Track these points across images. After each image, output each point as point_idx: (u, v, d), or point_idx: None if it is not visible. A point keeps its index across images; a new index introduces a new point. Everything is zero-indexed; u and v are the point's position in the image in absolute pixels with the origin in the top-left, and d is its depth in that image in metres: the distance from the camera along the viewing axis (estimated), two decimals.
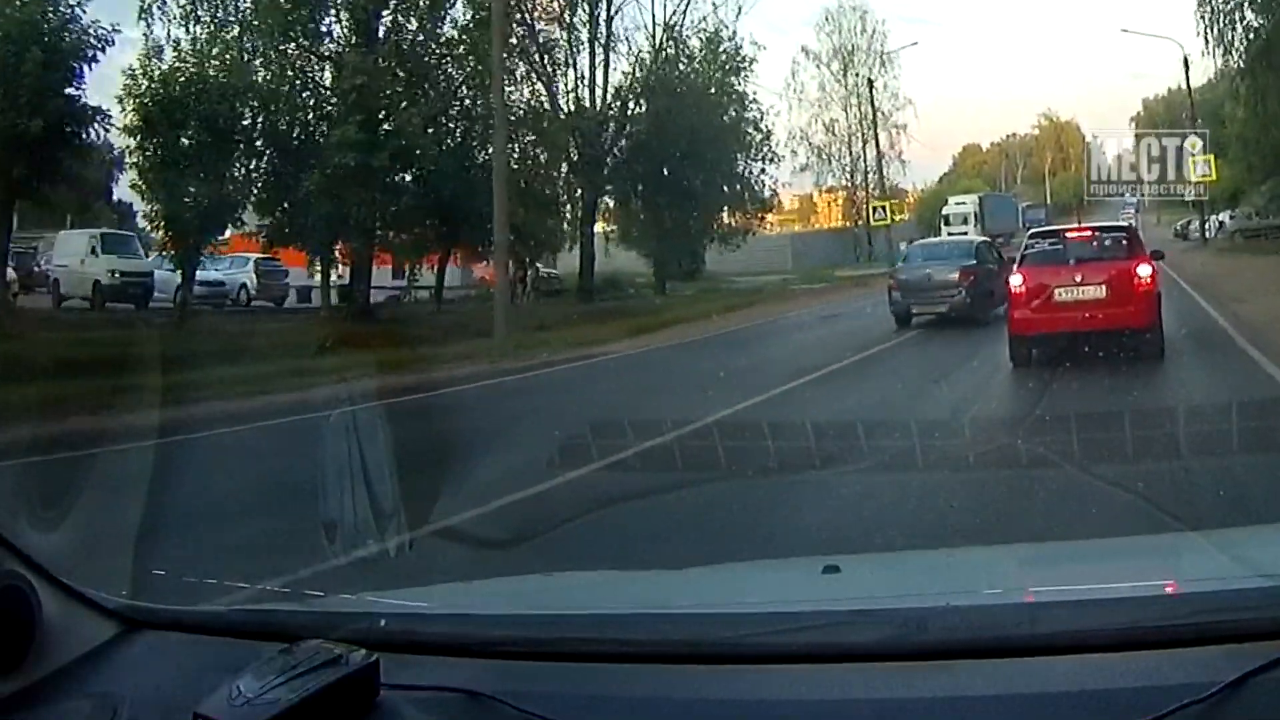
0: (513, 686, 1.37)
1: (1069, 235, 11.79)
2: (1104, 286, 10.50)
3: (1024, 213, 38.58)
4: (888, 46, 35.21)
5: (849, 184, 35.93)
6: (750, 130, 30.10)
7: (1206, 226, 30.96)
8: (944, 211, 35.30)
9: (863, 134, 34.94)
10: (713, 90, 29.15)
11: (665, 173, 27.56)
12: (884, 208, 31.92)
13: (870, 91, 33.92)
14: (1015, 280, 10.90)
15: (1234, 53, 24.61)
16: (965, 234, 32.90)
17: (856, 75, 35.18)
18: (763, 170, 30.89)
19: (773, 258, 33.76)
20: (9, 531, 1.50)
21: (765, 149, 30.56)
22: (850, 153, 35.00)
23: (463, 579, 2.48)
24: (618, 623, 1.63)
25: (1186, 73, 27.97)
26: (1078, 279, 10.59)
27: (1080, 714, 1.24)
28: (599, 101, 27.66)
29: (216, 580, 1.88)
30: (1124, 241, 11.38)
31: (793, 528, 5.04)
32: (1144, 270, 10.64)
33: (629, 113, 28.12)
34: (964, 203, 35.59)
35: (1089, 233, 11.90)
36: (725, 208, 30.42)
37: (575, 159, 26.73)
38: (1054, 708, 1.26)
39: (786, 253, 35.35)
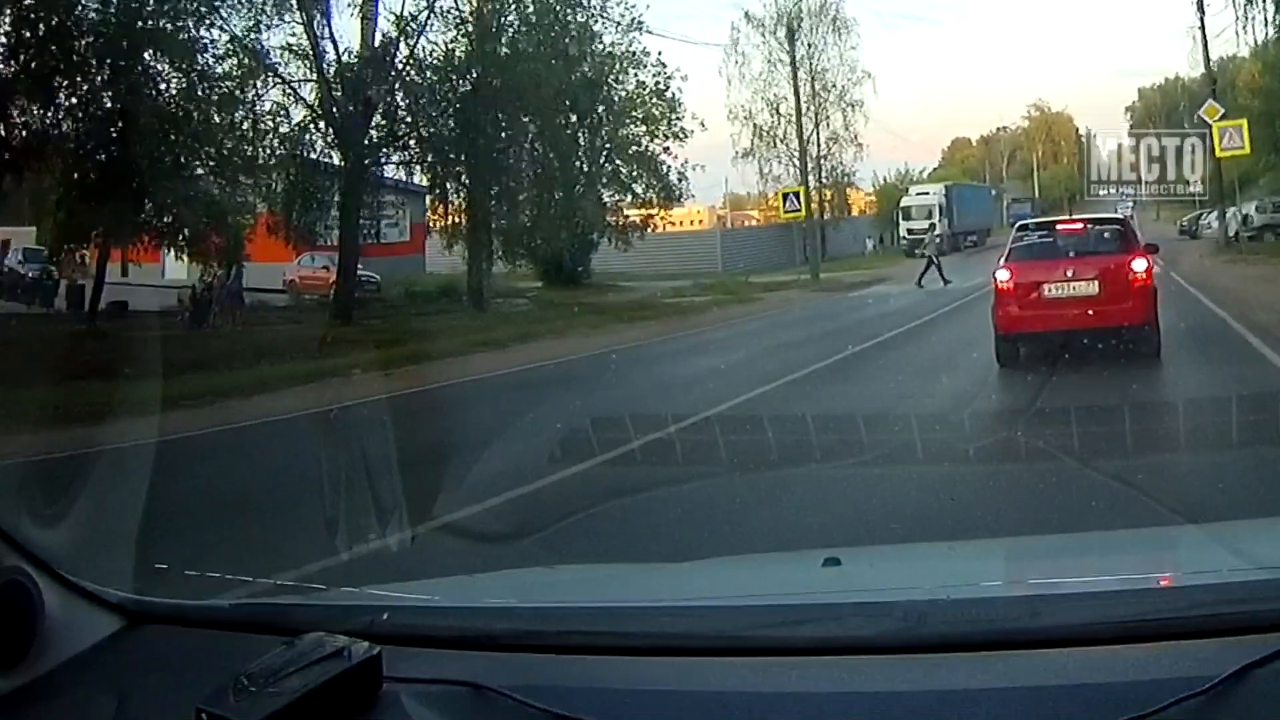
0: (515, 679, 1.38)
1: (1059, 228, 11.27)
2: (1096, 282, 10.00)
3: (1009, 207, 34.89)
4: (843, 14, 29.40)
5: (799, 172, 29.83)
6: (650, 98, 24.36)
7: (1229, 220, 24.60)
8: (902, 204, 30.81)
9: (814, 113, 29.09)
10: (564, 35, 21.72)
11: (481, 143, 20.05)
12: (795, 195, 25.57)
13: (791, 44, 27.14)
14: (1002, 275, 10.39)
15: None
16: (927, 230, 28.78)
17: (808, 45, 29.21)
18: (666, 149, 24.75)
19: (699, 257, 28.42)
20: (11, 526, 1.50)
21: (670, 122, 24.50)
22: (800, 136, 29.06)
23: (465, 572, 2.48)
24: (620, 616, 1.63)
25: (1201, 18, 23.06)
26: (1069, 274, 10.06)
27: (1080, 707, 1.25)
28: (372, 36, 19.35)
29: (219, 574, 1.88)
30: (1117, 234, 10.89)
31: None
32: (1139, 264, 10.21)
33: (414, 53, 19.62)
34: (926, 193, 30.83)
35: (1080, 225, 11.29)
36: (609, 194, 24.42)
37: (336, 116, 18.95)
38: (1054, 701, 1.26)
39: (715, 251, 29.24)
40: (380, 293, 21.87)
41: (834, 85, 29.71)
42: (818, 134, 29.61)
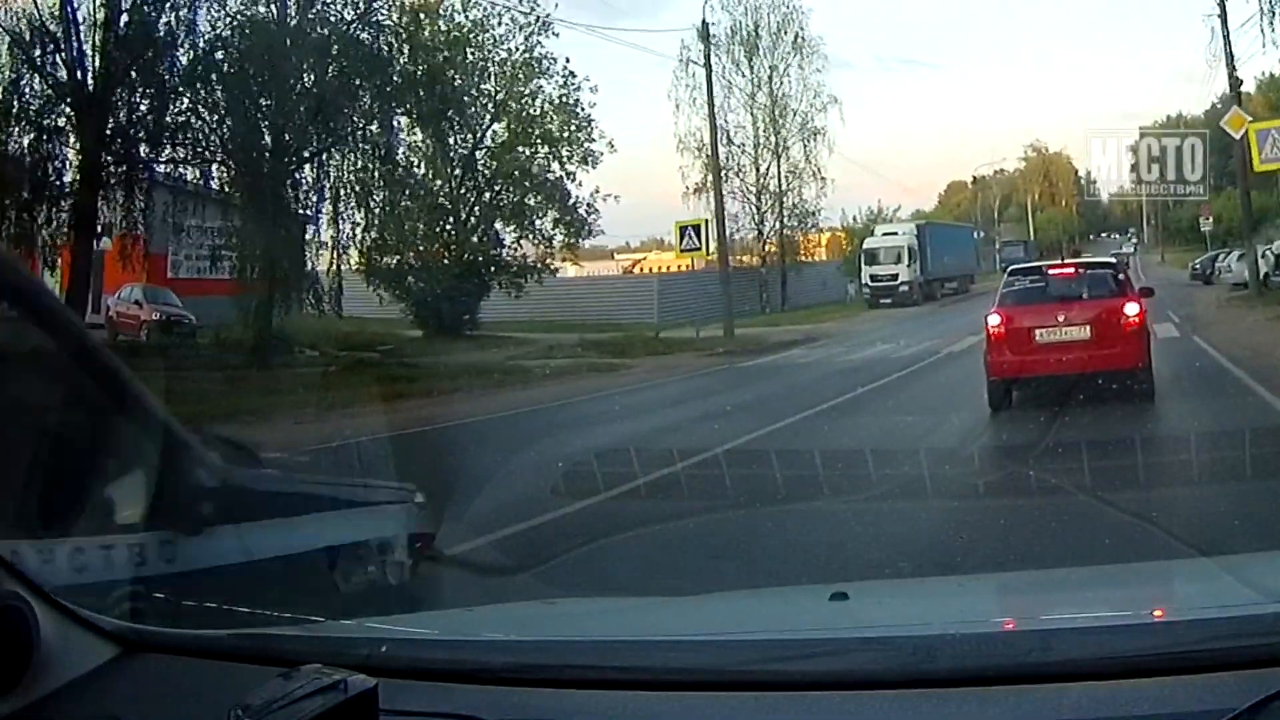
0: (514, 714, 1.36)
1: (1050, 272, 11.23)
2: (1088, 326, 9.97)
3: (1001, 250, 32.60)
4: (808, 33, 26.35)
5: (755, 208, 26.40)
6: (554, 113, 20.53)
7: (1260, 260, 20.29)
8: (865, 246, 26.99)
9: (775, 143, 25.87)
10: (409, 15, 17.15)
11: (267, 142, 15.25)
12: (694, 229, 20.74)
13: (707, 49, 22.29)
14: (993, 320, 10.33)
15: None
16: (896, 276, 25.76)
17: (769, 67, 26.12)
18: (570, 175, 20.98)
19: (636, 305, 24.24)
20: (8, 552, 1.49)
21: (578, 145, 20.73)
22: (757, 170, 25.78)
23: (465, 606, 2.46)
24: (621, 650, 1.61)
25: (1223, 8, 19.89)
26: (1060, 319, 10.05)
27: None
28: None
29: (216, 604, 1.87)
30: (1110, 278, 10.83)
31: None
32: (1131, 308, 10.15)
33: (178, 17, 14.74)
34: (895, 234, 27.12)
35: (1072, 270, 11.28)
36: (509, 229, 20.63)
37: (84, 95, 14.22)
38: None
39: (653, 298, 24.64)
40: (195, 336, 17.74)
41: (795, 112, 26.50)
42: (778, 165, 26.50)
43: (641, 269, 25.02)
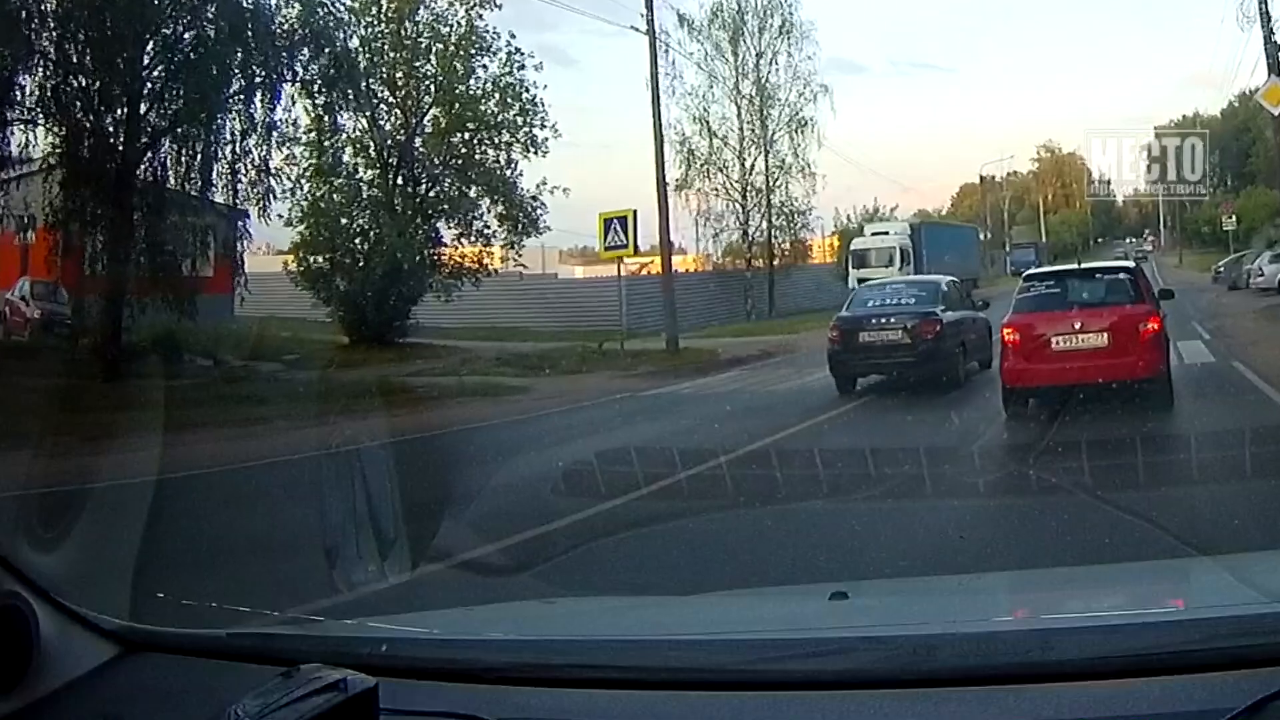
0: (513, 713, 1.36)
1: (1067, 278, 11.01)
2: (1105, 334, 9.79)
3: (1011, 253, 31.31)
4: (797, 18, 24.62)
5: (740, 206, 24.47)
6: (494, 94, 18.63)
7: None
8: (854, 247, 24.60)
9: (762, 138, 24.10)
10: None
11: (117, 107, 12.99)
12: (619, 222, 17.73)
13: (651, 43, 19.31)
14: (1008, 327, 10.26)
15: None
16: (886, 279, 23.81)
17: (756, 55, 24.34)
18: (514, 165, 18.90)
19: (604, 311, 20.37)
20: (9, 552, 1.49)
21: (523, 129, 18.70)
22: (742, 164, 24.05)
23: (465, 605, 2.46)
24: (621, 649, 1.61)
25: None
26: (1076, 326, 9.89)
27: None
28: None
29: (216, 605, 1.87)
30: (1127, 284, 10.58)
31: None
32: (1149, 315, 9.97)
33: None
34: (885, 234, 24.79)
35: (1088, 275, 11.08)
36: (449, 225, 18.52)
37: None
38: None
39: (620, 302, 20.03)
40: (77, 339, 14.92)
41: (783, 103, 24.59)
42: (765, 160, 24.58)
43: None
